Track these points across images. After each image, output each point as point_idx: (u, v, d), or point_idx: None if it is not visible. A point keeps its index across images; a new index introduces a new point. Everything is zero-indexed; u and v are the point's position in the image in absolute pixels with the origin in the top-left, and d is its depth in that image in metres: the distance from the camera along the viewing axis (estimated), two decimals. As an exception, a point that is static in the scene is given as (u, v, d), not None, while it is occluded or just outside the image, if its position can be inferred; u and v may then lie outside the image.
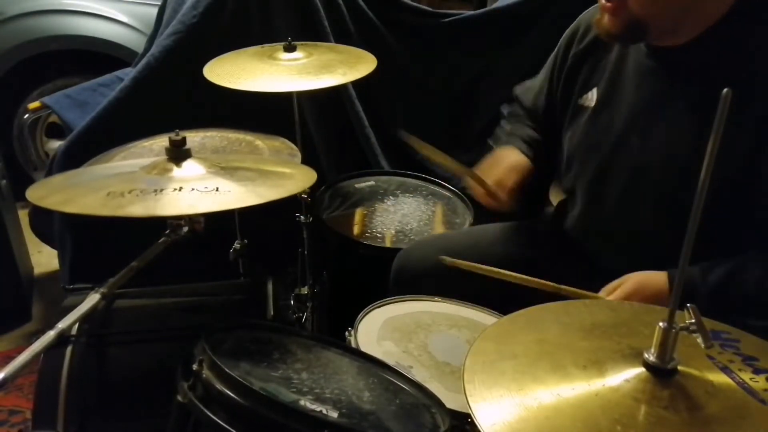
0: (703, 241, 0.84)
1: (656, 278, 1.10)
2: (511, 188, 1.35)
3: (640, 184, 1.18)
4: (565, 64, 1.33)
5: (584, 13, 1.34)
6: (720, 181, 0.95)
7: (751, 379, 0.74)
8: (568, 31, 1.35)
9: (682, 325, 0.71)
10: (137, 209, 0.99)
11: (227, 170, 1.15)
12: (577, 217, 1.34)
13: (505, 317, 0.90)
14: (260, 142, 1.57)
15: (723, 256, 1.09)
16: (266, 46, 1.70)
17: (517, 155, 1.41)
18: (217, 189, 1.06)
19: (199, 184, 1.07)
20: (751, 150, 1.04)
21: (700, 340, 0.70)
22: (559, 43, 1.37)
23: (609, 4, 1.10)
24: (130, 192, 1.03)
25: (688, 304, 0.72)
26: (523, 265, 1.38)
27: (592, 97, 1.26)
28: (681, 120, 1.12)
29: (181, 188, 1.05)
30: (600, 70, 1.26)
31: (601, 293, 1.14)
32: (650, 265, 1.13)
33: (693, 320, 0.71)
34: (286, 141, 1.59)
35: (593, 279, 1.21)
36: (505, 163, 1.39)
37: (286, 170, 1.27)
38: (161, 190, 1.04)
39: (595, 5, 1.31)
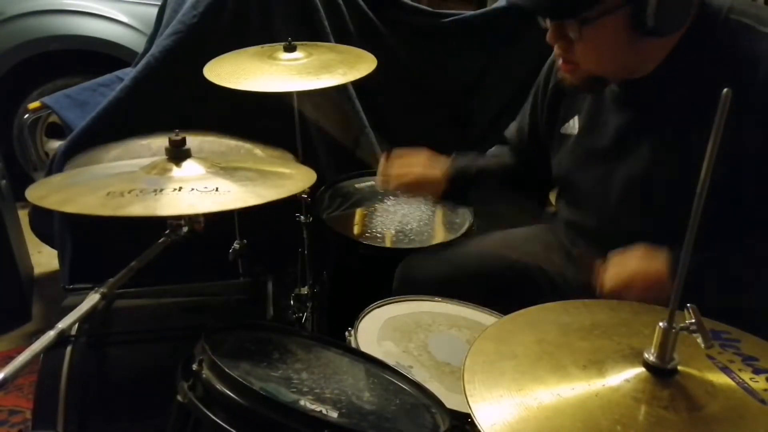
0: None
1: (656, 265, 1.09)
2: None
3: (627, 206, 1.21)
4: (546, 97, 1.35)
5: None
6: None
7: (751, 379, 0.74)
8: (546, 64, 1.37)
9: (682, 325, 0.71)
10: (137, 209, 0.99)
11: (227, 170, 1.15)
12: (567, 237, 1.36)
13: (505, 317, 0.90)
14: (259, 150, 1.57)
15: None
16: (266, 46, 1.70)
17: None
18: (217, 189, 1.06)
19: (198, 184, 1.07)
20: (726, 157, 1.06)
21: (700, 340, 0.70)
22: (539, 77, 1.39)
23: (565, 66, 1.15)
24: (129, 192, 1.03)
25: (688, 304, 0.72)
26: (524, 272, 1.38)
27: (573, 125, 1.29)
28: (659, 141, 1.15)
29: (180, 188, 1.05)
30: (580, 99, 1.28)
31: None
32: None
33: (693, 320, 0.71)
34: (286, 152, 1.59)
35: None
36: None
37: (286, 170, 1.27)
38: (161, 190, 1.04)
39: None
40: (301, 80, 1.53)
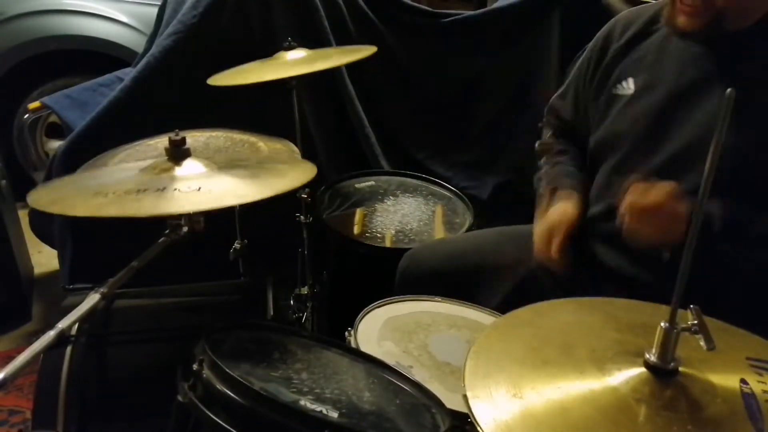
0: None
1: None
2: (558, 245, 1.26)
3: (674, 171, 1.17)
4: (603, 61, 1.33)
5: (623, 12, 1.36)
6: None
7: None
8: (602, 33, 1.35)
9: (683, 325, 0.71)
10: (113, 209, 0.99)
11: (222, 168, 1.15)
12: (602, 205, 1.30)
13: (506, 315, 0.89)
14: (262, 143, 1.57)
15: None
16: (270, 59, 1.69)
17: (564, 206, 1.32)
18: (200, 188, 1.06)
19: (183, 184, 1.07)
20: None
21: (702, 341, 0.70)
22: (592, 46, 1.37)
23: (689, 8, 1.11)
24: (114, 193, 1.03)
25: (691, 305, 0.72)
26: (527, 268, 1.38)
27: (628, 86, 1.27)
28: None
29: (164, 188, 1.05)
30: (637, 61, 1.27)
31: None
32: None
33: (695, 321, 0.71)
34: (288, 143, 1.59)
35: (598, 282, 1.20)
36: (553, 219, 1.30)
37: (284, 167, 1.26)
38: (144, 191, 1.04)
39: (631, 9, 1.34)
40: (297, 67, 1.53)
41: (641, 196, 1.07)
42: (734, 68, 1.13)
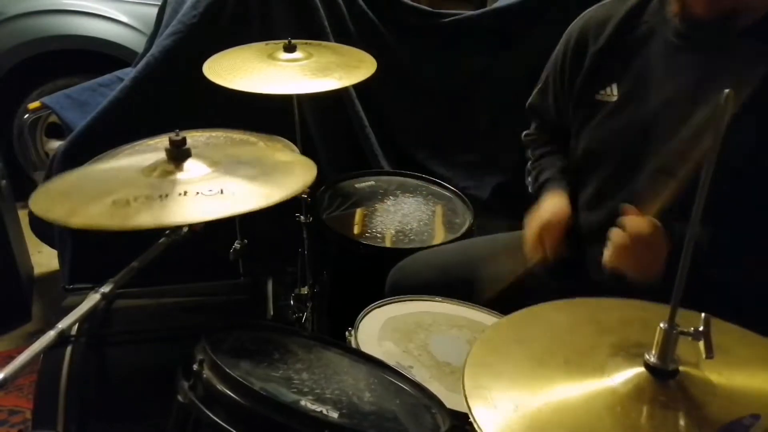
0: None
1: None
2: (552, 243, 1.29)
3: (669, 178, 1.15)
4: (583, 65, 1.29)
5: (589, 11, 1.32)
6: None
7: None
8: (574, 32, 1.32)
9: (683, 329, 0.70)
10: (146, 219, 0.97)
11: (229, 166, 1.14)
12: (592, 213, 1.30)
13: (506, 317, 0.89)
14: (262, 143, 1.57)
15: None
16: (269, 43, 1.69)
17: (554, 204, 1.33)
18: (222, 191, 1.05)
19: (203, 187, 1.06)
20: None
21: (702, 348, 0.70)
22: (563, 48, 1.34)
23: None
24: (135, 200, 1.02)
25: (704, 313, 0.71)
26: (520, 277, 1.37)
27: (611, 92, 1.25)
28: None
29: (185, 192, 1.04)
30: (620, 66, 1.24)
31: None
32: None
33: (701, 328, 0.70)
34: (289, 143, 1.59)
35: (593, 290, 1.20)
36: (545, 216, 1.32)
37: (287, 159, 1.25)
38: (166, 196, 1.03)
39: (598, 4, 1.31)
40: (298, 82, 1.53)
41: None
42: (723, 77, 1.10)
